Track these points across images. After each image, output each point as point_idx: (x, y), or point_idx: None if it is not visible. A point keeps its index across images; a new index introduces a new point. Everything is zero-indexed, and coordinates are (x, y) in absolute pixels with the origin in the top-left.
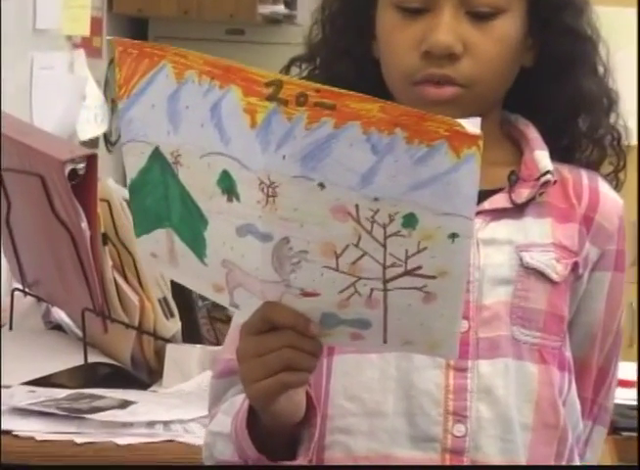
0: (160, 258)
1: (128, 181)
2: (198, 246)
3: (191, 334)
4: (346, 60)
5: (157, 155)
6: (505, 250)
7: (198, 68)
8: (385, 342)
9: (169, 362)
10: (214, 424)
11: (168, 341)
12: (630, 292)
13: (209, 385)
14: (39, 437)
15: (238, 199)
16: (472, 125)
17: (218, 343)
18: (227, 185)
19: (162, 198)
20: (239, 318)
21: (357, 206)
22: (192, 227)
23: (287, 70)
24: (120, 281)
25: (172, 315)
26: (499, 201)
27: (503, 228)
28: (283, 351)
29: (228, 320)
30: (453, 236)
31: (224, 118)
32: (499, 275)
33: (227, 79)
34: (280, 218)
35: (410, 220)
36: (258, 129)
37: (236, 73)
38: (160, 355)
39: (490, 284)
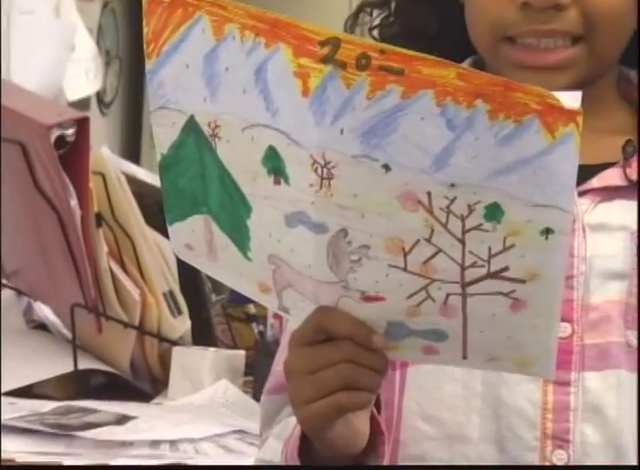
0: (196, 250)
1: (158, 157)
2: (240, 237)
3: (203, 335)
4: (427, 5)
5: (191, 125)
6: (618, 237)
7: (240, 21)
8: (464, 357)
9: (177, 369)
10: (265, 451)
11: (175, 343)
12: None
13: (261, 403)
14: (20, 458)
15: (287, 181)
16: (570, 98)
17: (235, 345)
18: (274, 164)
19: (199, 178)
20: (291, 324)
21: (429, 193)
22: (233, 214)
23: (355, 17)
24: (118, 271)
25: (180, 312)
26: (611, 177)
27: (616, 211)
28: (340, 366)
29: (247, 319)
30: (547, 232)
31: (271, 84)
32: (610, 268)
33: (274, 36)
34: (337, 206)
35: (494, 212)
36: (311, 97)
37: (285, 29)
38: (165, 361)
39: (599, 279)
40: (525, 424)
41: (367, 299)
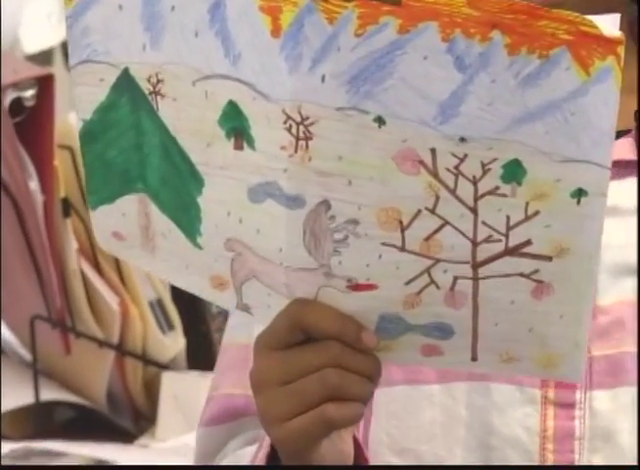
0: (128, 239)
1: (79, 124)
2: (188, 219)
3: (201, 356)
4: None
5: (125, 82)
6: (631, 223)
7: None
8: (474, 358)
9: (167, 401)
10: None
11: (165, 367)
12: None
13: (197, 437)
14: None
15: (251, 145)
16: (608, 23)
17: None
18: (235, 124)
19: (134, 148)
20: (234, 334)
21: (434, 150)
22: (179, 191)
23: None
24: (91, 274)
25: (171, 327)
26: (622, 149)
27: (627, 191)
28: (324, 372)
29: None
30: (579, 194)
31: (231, 22)
32: (623, 261)
33: None
34: (316, 173)
35: (514, 171)
36: (284, 38)
37: None
38: (152, 390)
39: (610, 275)
40: (520, 456)
41: (355, 287)
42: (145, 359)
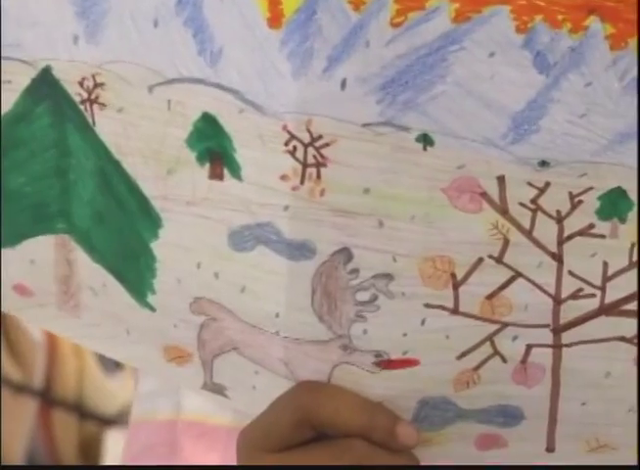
0: (36, 295)
1: None
2: (135, 271)
3: None
4: None
5: (44, 86)
6: None
7: None
8: (550, 449)
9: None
10: None
11: (110, 422)
12: None
13: None
14: None
15: (235, 173)
16: None
17: None
18: (211, 145)
19: (53, 174)
20: (166, 399)
21: (502, 178)
22: (122, 233)
23: None
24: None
25: (119, 365)
26: None
27: None
28: None
29: None
30: None
31: (207, 8)
32: None
33: None
34: (331, 211)
35: (616, 203)
36: (287, 29)
37: None
38: (90, 454)
39: None
40: None
41: (387, 364)
42: (81, 411)
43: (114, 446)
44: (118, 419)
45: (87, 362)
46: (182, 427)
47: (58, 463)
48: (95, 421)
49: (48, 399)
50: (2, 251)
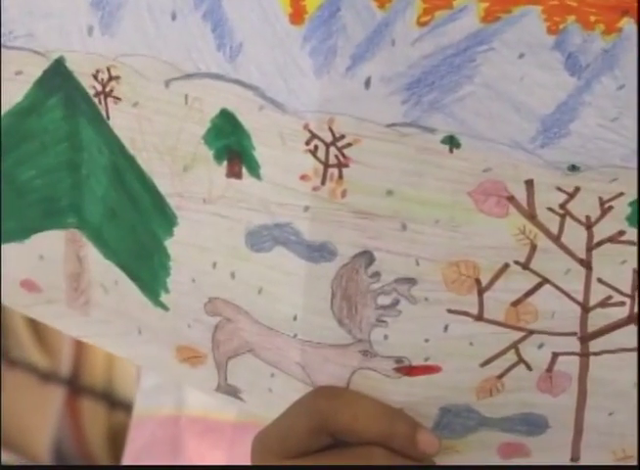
0: (44, 292)
1: None
2: (148, 269)
3: None
4: None
5: (57, 77)
6: None
7: None
8: (574, 458)
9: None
10: None
11: None
12: None
13: None
14: None
15: (254, 172)
16: None
17: None
18: (229, 142)
19: (65, 168)
20: (169, 394)
21: (530, 183)
22: (136, 230)
23: None
24: None
25: None
26: None
27: None
28: None
29: None
30: None
31: (227, 3)
32: None
33: None
34: (353, 212)
35: None
36: (309, 25)
37: None
38: (119, 443)
39: None
40: None
41: (408, 371)
42: (110, 399)
43: None
44: None
45: None
46: (185, 423)
47: (86, 453)
48: (124, 410)
49: (76, 387)
50: (10, 245)
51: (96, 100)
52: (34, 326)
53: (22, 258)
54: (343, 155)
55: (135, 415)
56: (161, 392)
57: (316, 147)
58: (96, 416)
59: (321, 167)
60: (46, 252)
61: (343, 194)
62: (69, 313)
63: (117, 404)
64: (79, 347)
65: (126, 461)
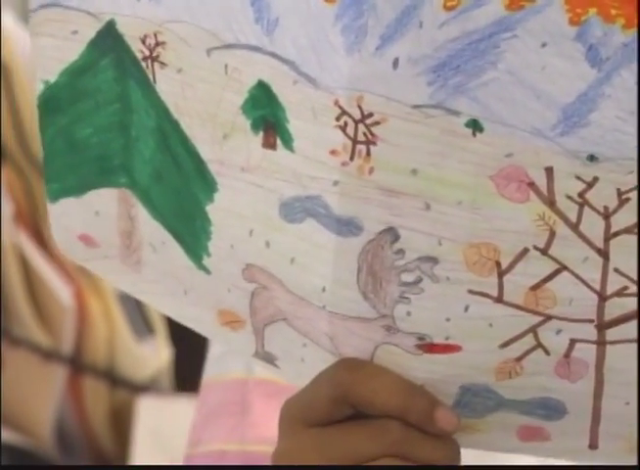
0: (101, 247)
1: (39, 86)
2: (191, 232)
3: (191, 374)
4: None
5: (109, 39)
6: None
7: None
8: (592, 446)
9: (143, 437)
10: None
11: (142, 389)
12: None
13: None
14: None
15: (288, 144)
16: None
17: None
18: (265, 113)
19: (116, 128)
20: (238, 358)
21: (550, 170)
22: (180, 194)
23: None
24: (32, 250)
25: (151, 332)
26: None
27: None
28: (382, 462)
29: None
30: None
31: None
32: None
33: None
34: (379, 189)
35: None
36: (341, 3)
37: None
38: (121, 422)
39: None
40: None
41: (429, 348)
42: (112, 378)
43: (146, 414)
44: (150, 386)
45: (118, 328)
46: (253, 385)
47: (88, 431)
48: (126, 388)
49: (78, 365)
50: (69, 200)
51: (144, 64)
52: (36, 305)
53: (79, 213)
54: (371, 132)
55: (204, 383)
56: (230, 358)
57: (346, 123)
58: (98, 395)
59: (350, 144)
60: (101, 208)
61: (371, 171)
62: (124, 270)
63: (119, 383)
64: (81, 325)
65: (195, 426)
